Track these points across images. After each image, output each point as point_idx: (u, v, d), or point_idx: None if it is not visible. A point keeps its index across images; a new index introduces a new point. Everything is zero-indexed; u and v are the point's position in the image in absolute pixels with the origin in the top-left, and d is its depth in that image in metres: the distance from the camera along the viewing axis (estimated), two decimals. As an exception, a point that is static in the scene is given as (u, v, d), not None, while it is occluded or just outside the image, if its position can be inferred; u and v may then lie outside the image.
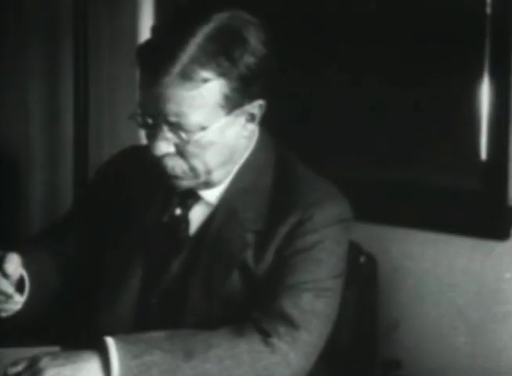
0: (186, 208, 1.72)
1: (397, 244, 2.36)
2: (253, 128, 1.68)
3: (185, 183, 1.66)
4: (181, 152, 1.61)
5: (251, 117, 1.65)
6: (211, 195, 1.71)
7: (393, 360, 2.33)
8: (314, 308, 1.62)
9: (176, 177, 1.64)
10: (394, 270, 2.34)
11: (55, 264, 1.84)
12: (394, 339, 2.36)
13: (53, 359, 1.50)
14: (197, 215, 1.72)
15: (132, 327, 1.64)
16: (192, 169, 1.63)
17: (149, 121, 1.60)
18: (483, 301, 2.26)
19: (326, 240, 1.64)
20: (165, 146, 1.60)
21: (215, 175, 1.67)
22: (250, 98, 1.62)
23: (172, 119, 1.57)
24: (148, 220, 1.74)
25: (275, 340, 1.58)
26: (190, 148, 1.60)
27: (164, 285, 1.70)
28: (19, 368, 1.51)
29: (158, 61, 1.55)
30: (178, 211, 1.72)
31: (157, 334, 1.57)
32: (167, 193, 1.74)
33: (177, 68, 1.53)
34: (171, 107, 1.56)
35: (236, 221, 1.67)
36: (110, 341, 1.51)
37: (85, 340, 1.57)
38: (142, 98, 1.60)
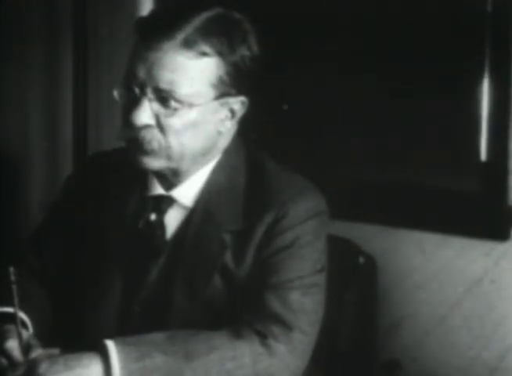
0: (161, 213, 1.71)
1: (396, 245, 2.35)
2: (229, 127, 1.69)
3: (156, 163, 1.64)
4: (161, 126, 1.60)
5: (232, 114, 1.67)
6: (186, 198, 1.70)
7: (392, 360, 2.33)
8: (303, 306, 1.63)
9: (151, 152, 1.62)
10: (394, 271, 2.34)
11: (45, 292, 1.82)
12: (393, 339, 2.36)
13: (52, 366, 1.49)
14: (173, 219, 1.71)
15: (117, 336, 1.59)
16: (168, 147, 1.62)
17: (136, 89, 1.60)
18: (483, 301, 2.26)
19: (305, 236, 1.66)
20: (148, 117, 1.60)
21: (185, 164, 1.67)
22: (237, 90, 1.64)
23: (164, 86, 1.58)
24: (123, 227, 1.73)
25: (272, 342, 1.59)
26: (172, 122, 1.60)
27: (146, 292, 1.70)
28: (18, 373, 1.51)
29: (163, 26, 1.57)
30: (152, 217, 1.72)
31: (157, 336, 1.57)
32: (141, 199, 1.73)
33: (180, 35, 1.56)
34: (166, 74, 1.57)
35: (212, 222, 1.67)
36: (111, 345, 1.51)
37: (75, 347, 1.56)
38: (132, 65, 1.60)
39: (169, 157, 1.63)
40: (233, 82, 1.63)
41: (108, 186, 1.78)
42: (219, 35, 1.59)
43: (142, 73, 1.58)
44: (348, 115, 2.51)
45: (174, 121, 1.60)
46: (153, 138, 1.61)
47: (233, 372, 1.56)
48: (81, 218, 1.79)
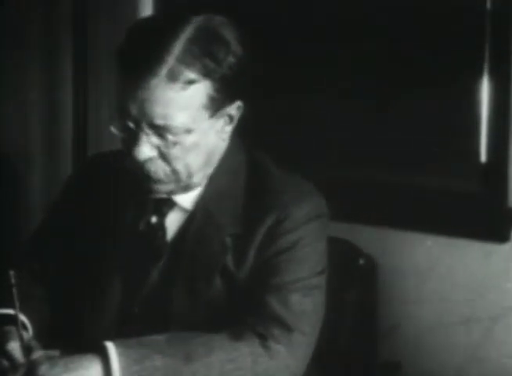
0: (162, 215, 1.71)
1: (396, 246, 2.35)
2: (230, 131, 1.68)
3: (166, 188, 1.65)
4: (163, 155, 1.60)
5: (230, 119, 1.66)
6: (187, 201, 1.70)
7: (392, 361, 2.33)
8: (303, 308, 1.63)
9: (158, 181, 1.63)
10: (394, 272, 2.33)
11: (45, 293, 1.82)
12: (393, 340, 2.36)
13: (52, 367, 1.49)
14: (173, 222, 1.71)
15: (117, 337, 1.58)
16: (175, 172, 1.62)
17: (131, 125, 1.58)
18: (483, 302, 2.25)
19: (306, 238, 1.65)
20: (148, 150, 1.59)
21: (195, 178, 1.67)
22: (231, 99, 1.62)
23: (158, 122, 1.56)
24: (123, 229, 1.73)
25: (272, 343, 1.59)
26: (174, 151, 1.59)
27: (146, 294, 1.69)
28: (18, 374, 1.51)
29: (144, 63, 1.54)
30: (153, 219, 1.71)
31: (157, 338, 1.57)
32: (142, 201, 1.72)
33: (164, 69, 1.53)
34: (158, 110, 1.55)
35: (213, 225, 1.67)
36: (111, 346, 1.51)
37: (74, 348, 1.56)
38: (123, 102, 1.57)
39: (178, 181, 1.64)
40: (225, 95, 1.60)
41: (108, 187, 1.78)
42: (202, 57, 1.55)
43: (134, 111, 1.56)
44: (348, 115, 2.51)
45: (176, 150, 1.60)
46: (158, 168, 1.61)
47: (233, 373, 1.55)
48: (81, 218, 1.78)
